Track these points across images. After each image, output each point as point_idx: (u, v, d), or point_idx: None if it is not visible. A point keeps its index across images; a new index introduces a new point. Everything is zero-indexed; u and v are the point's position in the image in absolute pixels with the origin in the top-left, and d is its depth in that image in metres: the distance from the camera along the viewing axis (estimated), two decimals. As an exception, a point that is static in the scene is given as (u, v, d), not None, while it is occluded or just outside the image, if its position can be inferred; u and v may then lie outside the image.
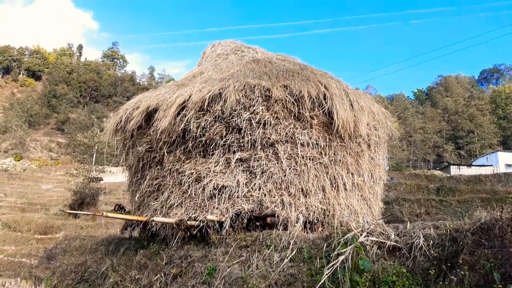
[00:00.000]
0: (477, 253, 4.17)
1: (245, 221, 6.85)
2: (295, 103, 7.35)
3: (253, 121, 7.21)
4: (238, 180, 7.11)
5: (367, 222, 7.07)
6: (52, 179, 47.69)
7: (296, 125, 7.38)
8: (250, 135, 7.21)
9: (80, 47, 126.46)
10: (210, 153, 7.43)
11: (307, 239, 6.01)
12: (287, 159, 7.20)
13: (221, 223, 6.88)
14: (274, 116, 7.31)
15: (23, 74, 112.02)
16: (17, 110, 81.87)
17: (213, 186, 7.12)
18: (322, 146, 7.42)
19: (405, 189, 25.39)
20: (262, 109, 7.29)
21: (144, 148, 8.21)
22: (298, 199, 7.06)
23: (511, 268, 3.80)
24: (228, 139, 7.31)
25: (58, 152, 77.67)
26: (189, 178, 7.41)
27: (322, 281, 4.85)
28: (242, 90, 7.45)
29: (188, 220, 7.09)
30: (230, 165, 7.26)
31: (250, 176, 7.19)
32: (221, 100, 7.38)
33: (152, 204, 8.03)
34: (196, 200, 7.28)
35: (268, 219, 6.76)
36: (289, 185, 7.11)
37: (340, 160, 7.58)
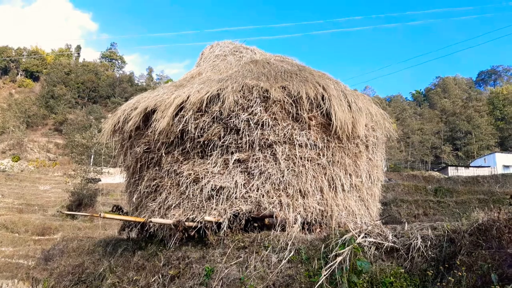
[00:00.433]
0: (475, 254, 4.18)
1: (243, 222, 6.84)
2: (293, 104, 7.35)
3: (251, 122, 7.21)
4: (236, 181, 7.10)
5: (365, 223, 7.08)
6: (49, 180, 47.60)
7: (294, 126, 7.38)
8: (248, 136, 7.20)
9: (78, 48, 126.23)
10: (208, 154, 7.42)
11: (305, 240, 6.01)
12: (285, 160, 7.20)
13: (219, 224, 6.87)
14: (272, 117, 7.31)
15: (21, 74, 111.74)
16: (15, 111, 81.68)
17: (211, 187, 7.11)
18: (320, 147, 7.42)
19: (403, 190, 25.43)
20: (260, 110, 7.28)
21: (142, 149, 8.20)
22: (296, 200, 7.05)
23: (508, 269, 3.80)
24: (226, 140, 7.30)
25: (56, 153, 77.48)
26: (187, 179, 7.40)
27: (320, 282, 4.85)
28: (240, 91, 7.44)
29: (186, 221, 7.08)
30: (228, 166, 7.25)
31: (248, 177, 7.18)
32: (219, 101, 7.38)
33: (150, 205, 8.01)
34: (194, 201, 7.26)
35: (266, 220, 6.75)
36: (287, 186, 7.10)
37: (338, 161, 7.59)
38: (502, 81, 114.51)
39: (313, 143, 7.36)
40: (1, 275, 16.02)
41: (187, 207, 7.32)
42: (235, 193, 7.02)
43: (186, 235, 7.18)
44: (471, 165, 57.94)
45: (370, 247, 5.11)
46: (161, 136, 7.67)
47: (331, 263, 4.97)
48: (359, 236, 5.24)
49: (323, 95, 7.46)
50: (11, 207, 31.71)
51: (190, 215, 7.17)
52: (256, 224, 6.90)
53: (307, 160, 7.30)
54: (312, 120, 7.43)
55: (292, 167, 7.20)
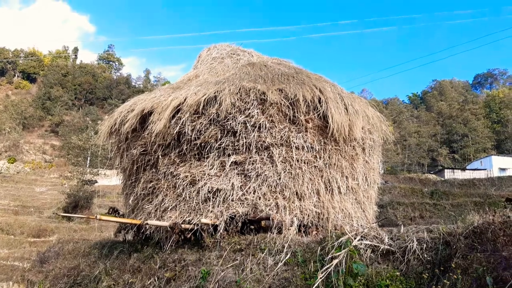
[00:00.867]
0: (470, 257, 4.19)
1: (240, 224, 6.84)
2: (290, 107, 7.36)
3: (248, 124, 7.22)
4: (232, 183, 7.10)
5: (361, 225, 7.07)
6: (46, 182, 47.42)
7: (291, 128, 7.39)
8: (245, 138, 7.21)
9: (75, 50, 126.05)
10: (205, 156, 7.42)
11: (301, 242, 6.01)
12: (282, 162, 7.21)
13: (215, 227, 6.86)
14: (269, 120, 7.32)
15: (18, 76, 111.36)
16: (11, 112, 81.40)
17: (208, 189, 7.10)
18: (317, 149, 7.43)
19: (400, 193, 25.48)
20: (257, 112, 7.29)
21: (139, 151, 8.19)
22: (292, 202, 7.06)
23: (503, 272, 3.81)
24: (223, 142, 7.30)
25: (52, 154, 77.21)
26: (183, 181, 7.39)
27: (316, 284, 4.85)
28: (237, 94, 7.45)
29: (182, 223, 7.06)
30: (225, 168, 7.25)
31: (245, 179, 7.18)
32: (216, 103, 7.38)
33: (146, 207, 8.00)
34: (190, 203, 7.26)
35: (263, 223, 6.75)
36: (284, 188, 7.10)
37: (334, 164, 7.60)
38: (498, 84, 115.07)
39: (310, 146, 7.38)
40: (-4, 278, 15.91)
41: (183, 209, 7.31)
42: (232, 195, 7.02)
43: (183, 237, 7.17)
44: (467, 167, 58.13)
45: (366, 250, 5.11)
46: (158, 138, 7.66)
47: (327, 266, 4.97)
48: (355, 238, 5.25)
49: (320, 98, 7.48)
50: (6, 209, 31.57)
51: (186, 217, 7.16)
52: (252, 227, 6.90)
53: (304, 163, 7.30)
54: (309, 123, 7.44)
55: (289, 170, 7.20)
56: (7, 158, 66.84)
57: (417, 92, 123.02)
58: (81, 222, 26.96)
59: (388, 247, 5.03)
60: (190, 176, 7.39)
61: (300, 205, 7.08)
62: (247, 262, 6.01)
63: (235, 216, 6.86)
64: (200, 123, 7.43)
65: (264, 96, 7.37)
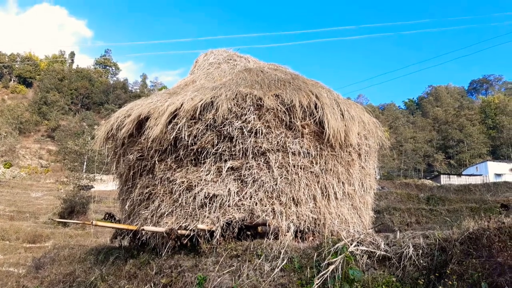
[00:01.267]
0: (465, 263, 4.21)
1: (236, 230, 6.82)
2: (287, 112, 7.39)
3: (244, 130, 7.23)
4: (229, 189, 7.10)
5: (357, 231, 7.08)
6: (41, 187, 47.16)
7: (288, 134, 7.41)
8: (242, 143, 7.22)
9: (72, 54, 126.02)
10: (202, 161, 7.42)
11: (298, 248, 6.01)
12: (278, 168, 7.22)
13: (212, 232, 6.85)
14: (265, 125, 7.33)
15: (14, 80, 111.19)
16: (7, 117, 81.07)
17: (204, 194, 7.10)
18: (313, 155, 7.45)
19: (396, 198, 25.53)
20: (253, 118, 7.31)
21: (135, 156, 8.18)
22: (289, 208, 7.06)
23: (498, 278, 3.83)
24: (220, 147, 7.31)
25: (48, 159, 76.96)
26: (180, 187, 7.38)
27: (312, 290, 4.85)
28: (234, 99, 7.47)
29: (178, 229, 7.05)
30: (221, 174, 7.25)
31: (242, 184, 7.18)
32: (213, 109, 7.40)
33: (142, 212, 7.98)
34: (187, 209, 7.24)
35: (259, 228, 6.75)
36: (280, 194, 7.11)
37: (331, 169, 7.61)
38: (494, 90, 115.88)
39: (306, 151, 7.39)
40: (-10, 284, 15.79)
41: (180, 215, 7.29)
42: (228, 201, 7.01)
43: (179, 243, 7.15)
44: (463, 173, 58.35)
45: (363, 256, 5.12)
46: (154, 143, 7.66)
47: (324, 272, 4.98)
48: (351, 244, 5.26)
49: (316, 104, 7.51)
50: (2, 214, 31.35)
51: (183, 223, 7.15)
52: (249, 232, 6.89)
53: (300, 168, 7.32)
54: (305, 128, 7.47)
55: (285, 175, 7.21)
56: (3, 163, 66.49)
57: (413, 98, 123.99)
58: (77, 227, 26.81)
59: (384, 253, 5.04)
60: (187, 181, 7.38)
61: (297, 211, 7.09)
62: (244, 268, 6.00)
63: (231, 221, 6.85)
64: (197, 128, 7.43)
65: (261, 102, 7.39)
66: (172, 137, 7.50)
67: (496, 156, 76.97)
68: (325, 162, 7.54)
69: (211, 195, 7.09)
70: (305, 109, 7.41)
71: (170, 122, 7.61)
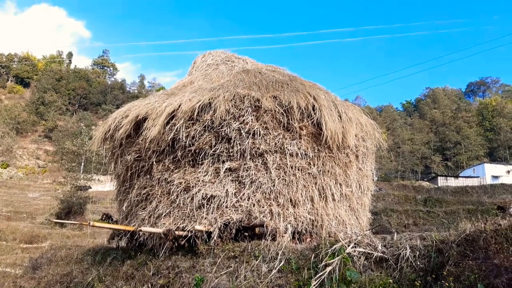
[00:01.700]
0: (462, 265, 4.22)
1: (234, 231, 6.82)
2: (284, 114, 7.40)
3: (242, 131, 7.24)
4: (227, 190, 7.10)
5: (354, 233, 7.07)
6: (39, 187, 47.08)
7: (285, 135, 7.42)
8: (240, 145, 7.22)
9: (70, 55, 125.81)
10: (199, 162, 7.42)
11: (295, 249, 6.01)
12: (276, 169, 7.23)
13: (209, 234, 6.84)
14: (263, 126, 7.35)
15: (11, 80, 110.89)
16: (5, 117, 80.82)
17: (202, 195, 7.10)
18: (311, 156, 7.46)
19: (393, 200, 25.59)
20: (251, 119, 7.32)
21: (133, 157, 8.17)
22: (286, 209, 7.07)
23: (494, 280, 3.85)
24: (218, 148, 7.32)
25: (46, 160, 76.78)
26: (177, 188, 7.38)
27: (309, 292, 4.86)
28: (232, 100, 7.48)
29: (176, 230, 7.04)
30: (219, 175, 7.26)
31: (239, 186, 7.19)
32: (210, 110, 7.40)
33: (140, 213, 7.97)
34: (184, 210, 7.24)
35: (257, 230, 6.75)
36: (278, 195, 7.12)
37: (328, 171, 7.63)
38: (491, 92, 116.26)
39: (303, 153, 7.41)
40: (-13, 284, 15.73)
41: (177, 216, 7.29)
42: (226, 202, 7.02)
43: (176, 244, 7.14)
44: (460, 175, 58.51)
45: (360, 257, 5.13)
46: (152, 144, 7.66)
47: (321, 273, 4.99)
48: (348, 246, 5.27)
49: (314, 105, 7.52)
50: (-2, 214, 31.26)
51: (180, 224, 7.14)
52: (246, 234, 6.89)
53: (298, 170, 7.33)
54: (303, 130, 7.48)
55: (283, 176, 7.22)
56: (0, 163, 66.32)
57: (410, 100, 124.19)
58: (74, 228, 26.74)
59: (382, 254, 5.05)
60: (184, 182, 7.38)
61: (294, 212, 7.10)
62: (241, 269, 6.01)
63: (229, 223, 6.85)
64: (195, 129, 7.44)
65: (259, 103, 7.40)
66: (170, 138, 7.50)
67: (493, 158, 77.18)
68: (322, 164, 7.56)
69: (208, 196, 7.10)
70: (303, 110, 7.43)
71: (168, 123, 7.61)
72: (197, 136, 7.40)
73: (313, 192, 7.36)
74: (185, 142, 7.39)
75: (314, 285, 4.89)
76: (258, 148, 7.23)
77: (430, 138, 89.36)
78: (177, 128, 7.45)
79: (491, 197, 26.17)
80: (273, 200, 7.09)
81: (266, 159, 7.24)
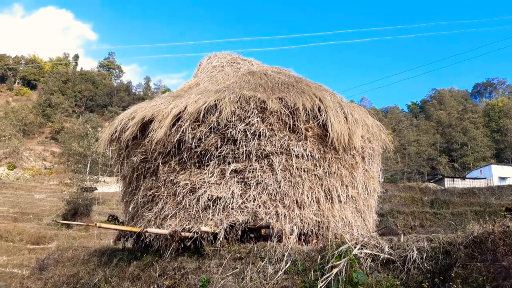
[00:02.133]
0: (470, 266, 4.19)
1: (240, 232, 6.82)
2: (290, 115, 7.39)
3: (248, 133, 7.24)
4: (232, 191, 7.10)
5: (361, 234, 7.07)
6: (45, 189, 47.36)
7: (291, 137, 7.41)
8: (245, 146, 7.23)
9: (76, 57, 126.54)
10: (205, 164, 7.43)
11: (302, 251, 6.00)
12: (282, 170, 7.22)
13: (215, 235, 6.85)
14: (269, 128, 7.34)
15: (18, 83, 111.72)
16: (12, 119, 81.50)
17: (208, 197, 7.11)
18: (317, 158, 7.45)
19: (400, 202, 25.45)
20: (257, 120, 7.32)
21: (139, 159, 8.20)
22: (292, 210, 7.06)
23: (503, 282, 3.82)
24: (223, 150, 7.32)
25: (52, 161, 77.20)
26: (183, 189, 7.40)
27: (316, 293, 4.85)
28: (237, 102, 7.49)
29: (182, 231, 7.06)
30: (225, 176, 7.26)
31: (245, 187, 7.19)
32: (216, 112, 7.41)
33: (146, 215, 7.99)
34: (190, 211, 7.25)
35: (263, 231, 6.75)
36: (284, 196, 7.11)
37: (334, 172, 7.61)
38: (498, 93, 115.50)
39: (309, 154, 7.39)
40: (-6, 285, 15.85)
41: (183, 217, 7.30)
42: (232, 203, 7.02)
43: (182, 245, 7.15)
44: (467, 176, 58.08)
45: (366, 259, 5.11)
46: (158, 146, 7.68)
47: (327, 275, 4.97)
48: (355, 247, 5.25)
49: (320, 107, 7.51)
50: (5, 215, 31.48)
51: (186, 225, 7.16)
52: (252, 235, 6.89)
53: (304, 171, 7.32)
54: (308, 131, 7.47)
55: (288, 178, 7.21)
56: (7, 164, 66.84)
57: (416, 101, 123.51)
58: (80, 229, 26.87)
59: (388, 256, 5.03)
60: (190, 184, 7.40)
61: (300, 214, 7.08)
62: (247, 270, 6.01)
63: (235, 224, 6.85)
64: (201, 131, 7.45)
65: (264, 105, 7.40)
66: (176, 139, 7.52)
67: (500, 160, 76.61)
68: (328, 165, 7.54)
69: (214, 197, 7.10)
70: (308, 112, 7.42)
71: (174, 124, 7.63)
72: (203, 137, 7.42)
73: (319, 194, 7.34)
74: (191, 144, 7.41)
75: (321, 287, 4.87)
76: (264, 150, 7.23)
77: (436, 139, 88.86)
78: (183, 130, 7.47)
79: (498, 199, 25.96)
80: (279, 201, 7.09)
81: (272, 161, 7.23)
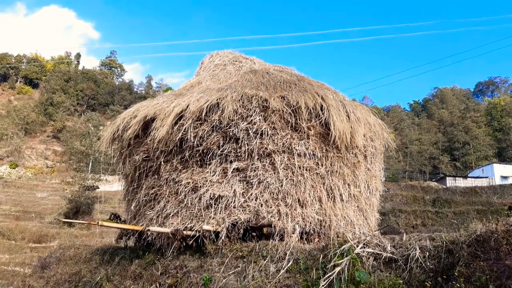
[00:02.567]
0: (473, 265, 4.18)
1: (242, 231, 6.82)
2: (292, 114, 7.38)
3: (250, 131, 7.23)
4: (234, 190, 7.10)
5: (363, 233, 7.07)
6: (47, 187, 47.46)
7: (293, 135, 7.40)
8: (247, 145, 7.22)
9: (78, 56, 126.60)
10: (207, 162, 7.43)
11: (304, 250, 5.99)
12: (284, 169, 7.21)
13: (217, 233, 6.85)
14: (271, 127, 7.34)
15: (20, 81, 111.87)
16: (14, 118, 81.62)
17: (210, 195, 7.11)
18: (319, 156, 7.44)
19: (401, 200, 25.43)
20: (259, 119, 7.31)
21: (141, 157, 8.20)
22: (294, 209, 7.05)
23: (506, 281, 3.81)
24: (225, 148, 7.32)
25: (54, 160, 77.37)
26: (185, 188, 7.40)
27: (318, 292, 4.84)
28: (239, 100, 7.48)
29: (184, 230, 7.06)
30: (227, 175, 7.26)
31: (247, 186, 7.19)
32: (218, 110, 7.41)
33: (148, 213, 8.00)
34: (192, 210, 7.26)
35: (265, 230, 6.74)
36: (286, 195, 7.10)
37: (336, 171, 7.60)
38: (500, 92, 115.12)
39: (311, 153, 7.38)
40: (-4, 283, 15.89)
41: (185, 216, 7.31)
42: (234, 202, 7.02)
43: (184, 244, 7.16)
44: (469, 175, 57.98)
45: (369, 258, 5.10)
46: (160, 144, 7.68)
47: (330, 274, 4.96)
48: (357, 246, 5.24)
49: (322, 105, 7.50)
50: (8, 214, 31.57)
51: (188, 224, 7.16)
52: (254, 234, 6.88)
53: (306, 170, 7.31)
54: (310, 130, 7.46)
55: (290, 177, 7.20)
56: (9, 163, 66.99)
57: (418, 100, 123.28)
58: (82, 228, 26.94)
59: (391, 255, 5.01)
60: (192, 182, 7.40)
61: (302, 212, 7.08)
62: (249, 269, 6.00)
63: (237, 223, 6.85)
64: (203, 129, 7.45)
65: (266, 103, 7.39)
66: (178, 138, 7.51)
67: (502, 159, 76.37)
68: (330, 164, 7.53)
69: (216, 196, 7.10)
70: (311, 110, 7.40)
71: (176, 123, 7.63)
72: (205, 136, 7.41)
73: (321, 193, 7.34)
74: (193, 142, 7.41)
75: (323, 286, 4.86)
76: (266, 148, 7.22)
77: (438, 138, 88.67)
78: (185, 128, 7.47)
79: (500, 198, 25.91)
80: (281, 200, 7.08)
81: (274, 159, 7.23)
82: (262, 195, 7.06)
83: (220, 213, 6.99)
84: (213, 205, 7.09)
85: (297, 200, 7.12)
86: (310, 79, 9.10)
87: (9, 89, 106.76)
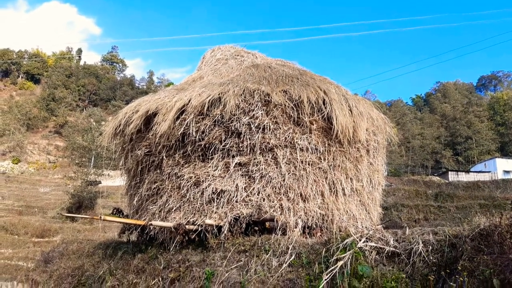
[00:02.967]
0: (476, 259, 4.17)
1: (244, 225, 6.83)
2: (295, 108, 7.36)
3: (252, 126, 7.21)
4: (237, 185, 7.10)
5: (366, 227, 7.06)
6: (49, 182, 47.62)
7: (295, 130, 7.38)
8: (249, 139, 7.20)
9: (79, 51, 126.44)
10: (209, 157, 7.42)
11: (306, 244, 5.99)
12: (286, 163, 7.20)
13: (219, 228, 6.86)
14: (273, 121, 7.31)
15: (22, 77, 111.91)
16: (16, 113, 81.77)
17: (212, 190, 7.11)
18: (321, 151, 7.42)
19: (404, 195, 25.42)
20: (261, 113, 7.29)
21: (143, 152, 8.20)
22: (297, 204, 7.05)
23: (510, 275, 3.79)
24: (227, 143, 7.31)
25: (56, 155, 77.55)
26: (188, 182, 7.40)
27: (321, 286, 4.84)
28: (241, 95, 7.45)
29: (186, 224, 7.07)
30: (229, 170, 7.25)
31: (249, 180, 7.18)
32: (220, 105, 7.39)
33: (150, 208, 8.01)
34: (194, 204, 7.26)
35: (267, 224, 6.75)
36: (288, 189, 7.09)
37: (339, 165, 7.58)
38: (503, 86, 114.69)
39: (314, 147, 7.36)
40: (0, 277, 15.99)
41: (187, 210, 7.31)
42: (236, 196, 7.02)
43: (187, 238, 7.17)
44: (471, 170, 57.87)
45: (371, 252, 5.09)
46: (162, 139, 7.67)
47: (332, 268, 4.96)
48: (360, 240, 5.23)
49: (324, 100, 7.47)
50: (11, 209, 31.71)
51: (190, 218, 7.16)
52: (256, 228, 6.89)
53: (308, 164, 7.29)
54: (313, 124, 7.44)
55: (293, 171, 7.19)
56: (12, 158, 67.18)
57: (420, 94, 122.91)
58: (84, 222, 27.03)
59: (393, 249, 5.01)
60: (195, 177, 7.39)
61: (305, 207, 7.07)
62: (252, 263, 6.01)
63: (239, 217, 6.86)
64: (205, 124, 7.43)
65: (269, 98, 7.36)
66: (180, 132, 7.51)
67: (505, 153, 76.12)
68: (333, 158, 7.51)
69: (218, 190, 7.10)
70: (313, 105, 7.38)
71: (178, 118, 7.62)
72: (207, 130, 7.40)
73: (323, 187, 7.32)
74: (195, 137, 7.39)
75: (325, 280, 4.87)
76: (268, 143, 7.21)
77: (441, 132, 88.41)
78: (187, 123, 7.46)
79: (503, 192, 25.87)
80: (283, 194, 7.07)
81: (276, 154, 7.21)
82: (265, 190, 7.05)
83: (222, 208, 6.99)
84: (215, 199, 7.09)
85: (299, 194, 7.11)
86: (312, 73, 9.07)
87: (11, 85, 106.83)
